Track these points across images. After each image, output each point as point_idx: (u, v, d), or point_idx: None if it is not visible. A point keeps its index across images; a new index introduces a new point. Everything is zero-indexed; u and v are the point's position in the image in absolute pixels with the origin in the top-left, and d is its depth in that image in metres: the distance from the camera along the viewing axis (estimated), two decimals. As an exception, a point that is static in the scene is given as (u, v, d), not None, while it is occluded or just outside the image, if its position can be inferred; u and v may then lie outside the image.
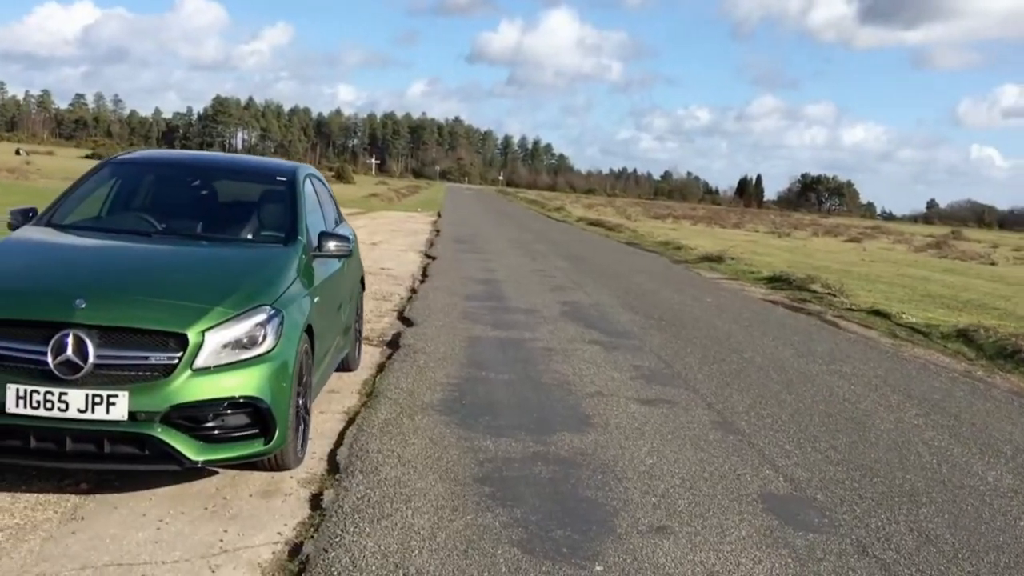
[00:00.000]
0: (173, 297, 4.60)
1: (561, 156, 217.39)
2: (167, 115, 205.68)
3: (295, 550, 4.13)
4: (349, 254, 6.05)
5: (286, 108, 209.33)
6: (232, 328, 4.52)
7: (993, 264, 39.03)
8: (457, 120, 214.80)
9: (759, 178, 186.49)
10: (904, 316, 13.92)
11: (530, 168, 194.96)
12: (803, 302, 15.75)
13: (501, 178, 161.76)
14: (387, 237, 22.91)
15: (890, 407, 7.79)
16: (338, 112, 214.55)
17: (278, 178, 6.28)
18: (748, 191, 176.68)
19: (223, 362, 4.46)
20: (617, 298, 14.04)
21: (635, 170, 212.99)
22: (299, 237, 5.72)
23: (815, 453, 6.16)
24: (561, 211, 56.42)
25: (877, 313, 14.32)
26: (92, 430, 4.26)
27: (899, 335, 12.49)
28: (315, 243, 5.79)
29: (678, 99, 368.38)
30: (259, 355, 4.61)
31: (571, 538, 4.40)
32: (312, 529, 4.34)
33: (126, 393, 4.25)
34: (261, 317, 4.66)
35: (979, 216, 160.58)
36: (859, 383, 8.75)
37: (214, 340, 4.44)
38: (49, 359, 4.21)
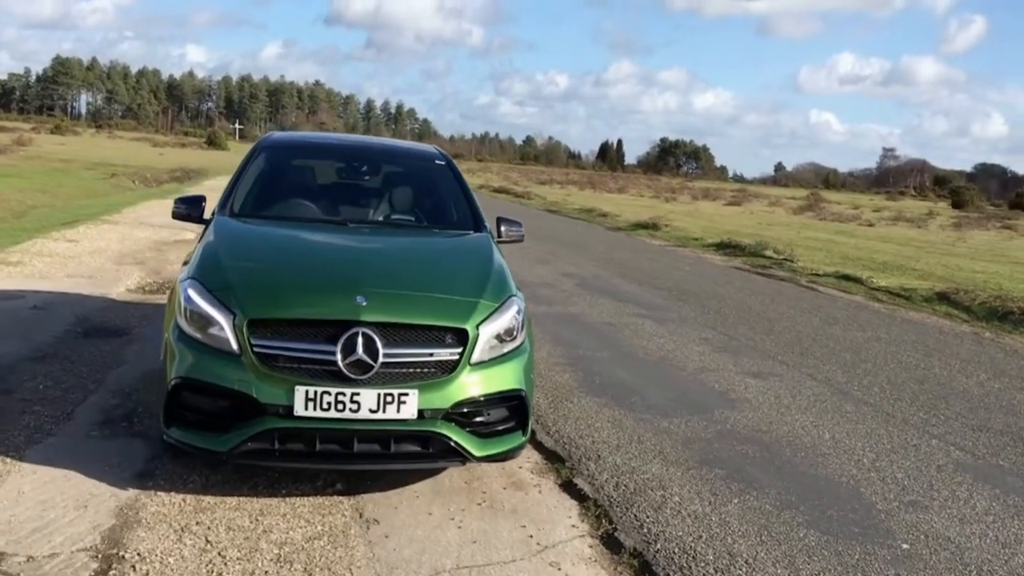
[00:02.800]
0: (442, 291, 4.46)
1: (425, 121, 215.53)
2: (1, 76, 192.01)
3: (610, 541, 4.11)
4: (521, 239, 5.97)
5: (133, 69, 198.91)
6: (497, 321, 4.43)
7: (871, 225, 41.30)
8: (317, 83, 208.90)
9: (620, 142, 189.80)
10: (873, 280, 14.64)
11: (394, 133, 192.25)
12: (766, 268, 16.34)
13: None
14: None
15: (959, 371, 8.26)
16: (191, 74, 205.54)
17: (437, 162, 6.11)
18: (610, 155, 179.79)
19: (491, 356, 4.37)
20: (605, 269, 14.21)
21: (497, 135, 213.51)
22: (486, 223, 5.61)
23: (951, 420, 6.50)
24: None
25: (846, 278, 14.99)
26: (381, 430, 4.12)
27: (882, 299, 13.16)
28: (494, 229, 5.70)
29: (537, 64, 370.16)
30: (516, 347, 4.54)
31: (848, 517, 4.54)
32: (603, 520, 4.32)
33: (416, 391, 4.12)
34: (515, 308, 4.58)
35: (824, 178, 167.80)
36: (905, 348, 9.22)
37: (486, 333, 4.34)
38: (339, 359, 4.03)
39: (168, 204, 6.54)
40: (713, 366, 7.63)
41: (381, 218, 5.62)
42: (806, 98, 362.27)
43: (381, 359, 4.06)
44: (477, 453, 4.28)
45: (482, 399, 4.31)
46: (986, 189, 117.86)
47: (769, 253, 17.95)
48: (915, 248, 26.76)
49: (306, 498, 4.31)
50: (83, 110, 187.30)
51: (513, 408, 4.47)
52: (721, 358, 7.98)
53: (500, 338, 4.42)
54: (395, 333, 4.14)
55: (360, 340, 4.04)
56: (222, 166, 44.71)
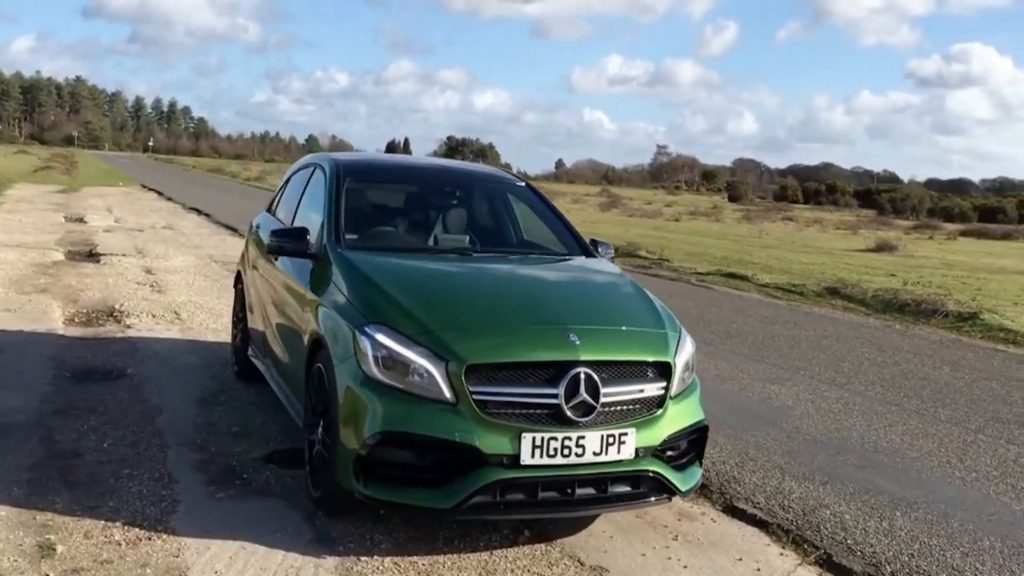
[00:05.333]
0: (632, 323, 4.30)
1: (201, 119, 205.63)
2: None
3: (832, 567, 4.10)
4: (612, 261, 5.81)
5: None
6: (684, 352, 4.33)
7: (677, 220, 43.52)
8: (79, 80, 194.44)
9: (407, 141, 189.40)
10: (758, 278, 15.37)
11: (168, 133, 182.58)
12: (648, 268, 16.80)
13: (152, 144, 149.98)
14: (175, 221, 20.93)
15: (921, 364, 8.83)
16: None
17: (517, 184, 5.85)
18: (399, 153, 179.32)
19: (681, 389, 4.26)
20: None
21: (278, 133, 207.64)
22: (589, 246, 5.44)
23: (972, 415, 6.92)
24: (263, 180, 53.24)
25: (731, 276, 15.65)
26: (600, 473, 3.93)
27: (778, 296, 13.83)
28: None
29: (316, 62, 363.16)
30: (694, 378, 4.45)
31: (1003, 519, 4.76)
32: (806, 546, 4.29)
33: (633, 430, 3.97)
34: (689, 338, 4.48)
35: (603, 174, 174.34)
36: (856, 344, 9.78)
37: (679, 365, 4.22)
38: (563, 402, 3.80)
39: None
40: (725, 374, 7.77)
41: (494, 245, 5.34)
42: (579, 98, 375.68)
43: (602, 399, 3.86)
44: (683, 488, 4.18)
45: (682, 433, 4.20)
46: (746, 182, 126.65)
47: (643, 253, 18.49)
48: (733, 242, 28.46)
49: (510, 549, 4.03)
50: None
51: (694, 441, 4.37)
52: (722, 364, 8.13)
53: (685, 368, 4.30)
54: (607, 370, 3.95)
55: (583, 380, 3.82)
56: (4, 172, 40.87)
